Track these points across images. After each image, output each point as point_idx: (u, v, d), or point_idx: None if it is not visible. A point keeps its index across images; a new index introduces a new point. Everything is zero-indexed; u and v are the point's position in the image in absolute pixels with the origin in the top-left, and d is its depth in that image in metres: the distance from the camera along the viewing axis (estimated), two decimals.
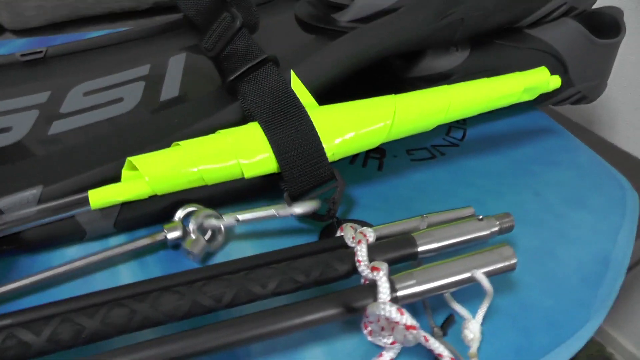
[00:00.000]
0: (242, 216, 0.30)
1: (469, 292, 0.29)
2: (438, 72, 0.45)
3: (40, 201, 0.32)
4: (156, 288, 0.24)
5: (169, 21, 0.49)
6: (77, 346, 0.23)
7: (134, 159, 0.30)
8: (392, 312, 0.23)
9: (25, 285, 0.29)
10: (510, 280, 0.33)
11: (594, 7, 0.50)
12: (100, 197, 0.30)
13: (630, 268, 0.60)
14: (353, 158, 0.43)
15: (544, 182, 0.41)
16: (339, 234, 0.30)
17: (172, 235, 0.31)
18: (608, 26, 0.49)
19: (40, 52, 0.47)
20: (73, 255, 0.32)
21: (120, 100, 0.40)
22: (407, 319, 0.23)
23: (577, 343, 0.31)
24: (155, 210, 0.34)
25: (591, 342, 1.00)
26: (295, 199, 0.33)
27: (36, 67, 0.47)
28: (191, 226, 0.32)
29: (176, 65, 0.43)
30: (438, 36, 0.42)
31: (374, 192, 0.39)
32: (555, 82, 0.39)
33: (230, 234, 0.35)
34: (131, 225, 0.34)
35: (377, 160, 0.42)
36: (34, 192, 0.32)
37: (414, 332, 0.23)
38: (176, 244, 0.32)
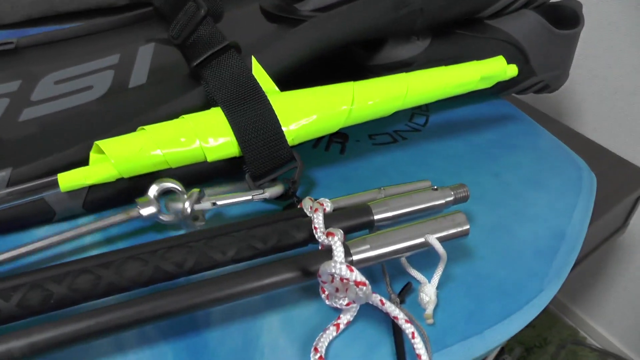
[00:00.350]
0: (219, 201, 0.31)
1: (426, 260, 0.30)
2: (399, 60, 0.47)
3: (9, 184, 0.32)
4: (122, 257, 0.25)
5: (139, 13, 0.50)
6: (46, 312, 0.24)
7: (100, 143, 0.31)
8: (342, 269, 0.24)
9: None
10: (467, 251, 0.34)
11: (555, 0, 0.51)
12: (69, 179, 0.31)
13: (593, 250, 0.62)
14: (316, 142, 0.44)
15: (503, 164, 0.43)
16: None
17: (146, 212, 0.31)
18: (568, 18, 0.51)
19: (11, 42, 0.48)
20: (45, 235, 0.33)
21: (90, 88, 0.41)
22: (356, 275, 0.24)
23: (530, 311, 0.32)
24: (122, 191, 0.34)
25: (564, 327, 1.03)
26: (256, 179, 0.34)
27: (7, 58, 0.47)
28: (171, 208, 0.32)
29: (145, 54, 0.44)
30: (398, 25, 0.43)
31: (335, 174, 0.40)
32: (512, 71, 0.40)
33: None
34: (100, 206, 0.35)
35: (340, 144, 0.44)
36: (2, 174, 0.32)
37: (364, 288, 0.25)
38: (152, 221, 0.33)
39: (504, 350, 0.83)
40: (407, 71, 0.40)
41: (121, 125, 0.34)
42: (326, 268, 0.24)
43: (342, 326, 0.28)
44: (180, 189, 0.32)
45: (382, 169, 0.41)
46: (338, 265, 0.24)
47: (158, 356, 0.27)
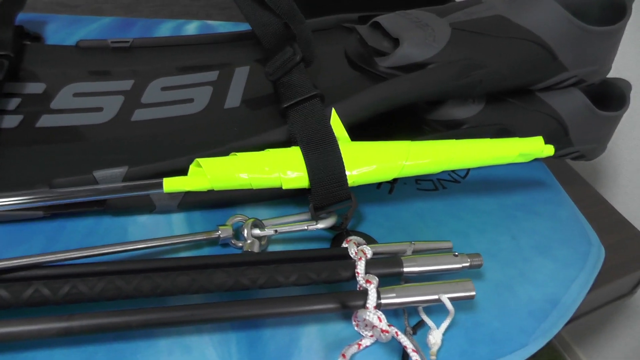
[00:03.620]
0: (280, 228, 0.41)
1: (437, 306, 0.38)
2: (454, 119, 0.54)
3: (125, 178, 0.41)
4: (211, 263, 0.34)
5: (239, 32, 0.58)
6: (152, 296, 0.33)
7: (201, 161, 0.40)
8: (374, 318, 0.33)
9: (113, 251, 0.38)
10: (473, 303, 0.42)
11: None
12: (172, 184, 0.39)
13: (596, 309, 0.67)
14: None
15: (522, 228, 0.50)
16: (345, 244, 0.40)
17: (225, 235, 0.41)
18: (615, 97, 0.57)
19: (127, 42, 0.57)
20: (144, 222, 0.43)
21: (191, 100, 0.49)
22: (384, 325, 0.33)
23: (513, 359, 0.40)
24: (209, 199, 0.43)
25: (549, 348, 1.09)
26: (316, 210, 0.42)
27: (123, 55, 0.56)
28: (246, 232, 0.41)
29: (240, 77, 0.52)
30: (459, 91, 0.50)
31: (381, 211, 0.48)
32: (548, 151, 0.47)
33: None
34: (190, 207, 0.44)
35: (390, 184, 0.51)
36: (121, 170, 0.41)
37: (387, 334, 0.33)
38: (225, 243, 0.42)
39: None
40: (458, 130, 0.47)
41: (217, 146, 0.43)
42: (362, 314, 0.33)
43: (362, 346, 0.36)
44: (245, 220, 0.41)
45: (421, 214, 0.49)
46: (371, 315, 0.33)
47: (225, 340, 0.36)
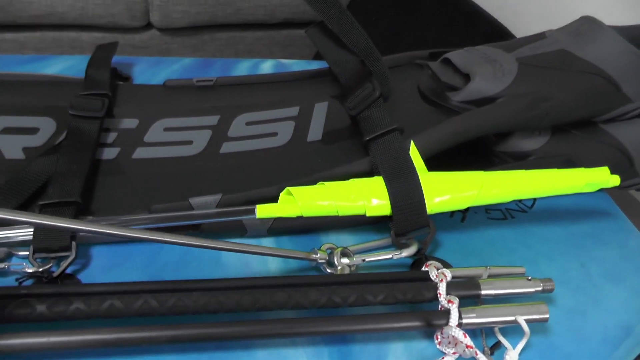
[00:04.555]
0: (368, 258, 0.45)
1: (511, 329, 0.40)
2: (521, 150, 0.56)
3: (219, 205, 0.45)
4: (304, 282, 0.37)
5: (316, 70, 0.62)
6: (251, 311, 0.36)
7: (292, 189, 0.43)
8: (460, 335, 0.35)
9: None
10: (546, 326, 0.43)
11: None
12: (265, 210, 0.43)
13: None
14: None
15: (591, 256, 0.51)
16: (424, 268, 0.42)
17: (321, 259, 0.44)
18: None
19: (211, 80, 0.61)
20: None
21: (274, 134, 0.53)
22: (468, 341, 0.35)
23: None
24: (296, 225, 0.46)
25: None
26: (397, 236, 0.45)
27: (207, 92, 0.60)
28: (336, 259, 0.44)
29: (320, 112, 0.56)
30: (527, 123, 0.53)
31: (454, 238, 0.51)
32: (614, 181, 0.48)
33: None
34: (278, 232, 0.47)
35: (462, 213, 0.54)
36: (215, 197, 0.45)
37: (471, 350, 0.35)
38: (317, 266, 0.45)
39: None
40: (525, 161, 0.49)
41: (304, 176, 0.46)
42: (448, 330, 0.35)
43: None
44: (335, 248, 0.45)
45: (492, 242, 0.51)
46: (458, 331, 0.35)
47: (318, 353, 0.39)
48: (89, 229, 0.37)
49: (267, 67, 0.72)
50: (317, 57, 0.68)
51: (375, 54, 0.53)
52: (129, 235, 0.37)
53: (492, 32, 1.02)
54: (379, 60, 0.53)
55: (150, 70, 0.68)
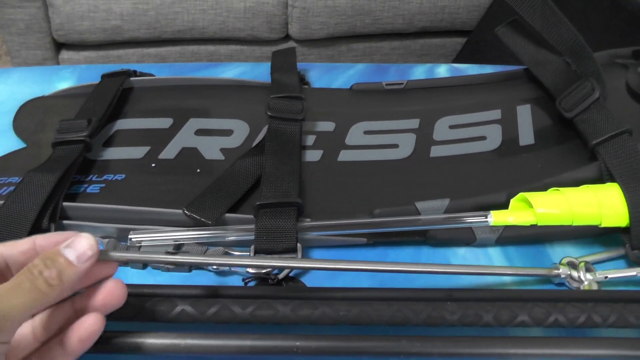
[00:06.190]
0: (610, 275, 0.41)
1: None
2: None
3: (446, 210, 0.43)
4: (549, 297, 0.35)
5: (509, 71, 0.59)
6: (375, 324, 0.35)
7: (528, 195, 0.40)
8: None
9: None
10: None
11: None
12: (499, 217, 0.40)
13: None
14: None
15: None
16: None
17: (563, 274, 0.41)
18: None
19: (402, 84, 0.60)
20: (464, 254, 0.44)
21: (483, 138, 0.51)
22: None
23: None
24: (525, 235, 0.44)
25: None
26: (634, 249, 0.42)
27: (397, 96, 0.59)
28: (582, 274, 0.41)
29: (524, 114, 0.53)
30: None
31: None
32: None
33: None
34: (506, 242, 0.45)
35: None
36: (443, 202, 0.43)
37: None
38: (560, 282, 0.42)
39: None
40: None
41: (533, 181, 0.44)
42: None
43: None
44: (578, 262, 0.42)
45: None
46: None
47: None
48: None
49: (442, 71, 0.70)
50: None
51: (587, 51, 0.50)
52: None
53: None
54: (590, 57, 0.50)
55: (327, 76, 0.68)
